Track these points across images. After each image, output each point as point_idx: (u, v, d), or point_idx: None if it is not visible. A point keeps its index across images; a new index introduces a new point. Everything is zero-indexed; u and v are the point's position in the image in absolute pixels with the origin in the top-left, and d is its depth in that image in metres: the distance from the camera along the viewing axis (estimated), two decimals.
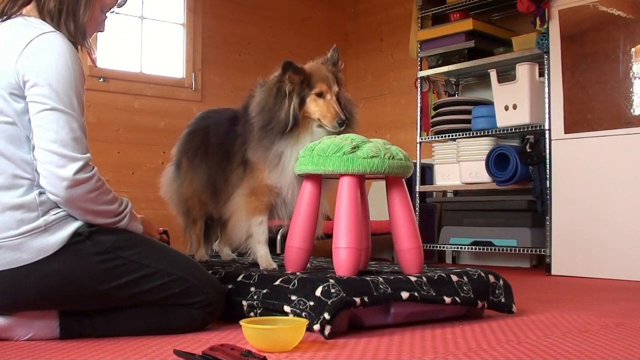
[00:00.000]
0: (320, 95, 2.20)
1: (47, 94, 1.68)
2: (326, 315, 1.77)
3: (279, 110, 2.20)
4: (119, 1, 2.00)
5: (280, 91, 2.21)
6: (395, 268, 2.32)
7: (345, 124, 2.17)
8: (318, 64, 2.31)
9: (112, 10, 1.99)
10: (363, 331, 1.91)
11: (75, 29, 1.82)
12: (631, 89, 3.64)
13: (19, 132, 1.72)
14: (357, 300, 1.84)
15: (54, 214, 1.71)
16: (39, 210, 1.70)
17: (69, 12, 1.81)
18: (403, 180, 2.17)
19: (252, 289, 2.00)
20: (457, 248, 4.50)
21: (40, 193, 1.71)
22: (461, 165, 4.42)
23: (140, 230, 1.87)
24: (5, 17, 1.82)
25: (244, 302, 1.99)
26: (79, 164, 1.67)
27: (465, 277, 2.13)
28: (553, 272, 3.89)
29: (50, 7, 1.79)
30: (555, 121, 3.93)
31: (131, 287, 1.78)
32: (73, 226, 1.73)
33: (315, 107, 2.20)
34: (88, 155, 1.71)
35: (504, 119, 4.16)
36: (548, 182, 3.93)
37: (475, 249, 4.38)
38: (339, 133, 2.17)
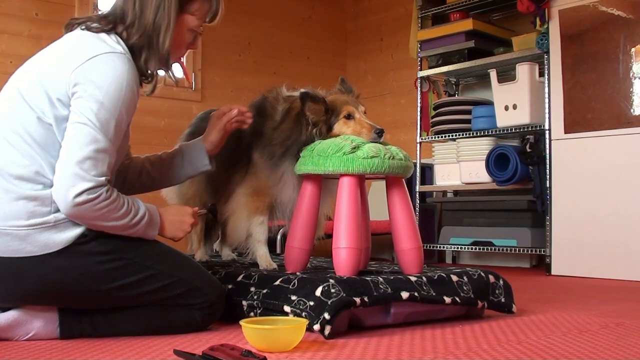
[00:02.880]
0: (349, 117, 2.18)
1: (88, 109, 1.68)
2: (326, 315, 1.78)
3: (300, 135, 2.18)
4: (207, 19, 1.94)
5: (305, 121, 2.17)
6: (395, 268, 2.32)
7: (383, 134, 2.15)
8: (336, 94, 2.29)
9: (201, 28, 1.95)
10: (363, 331, 1.91)
11: (159, 59, 1.85)
12: (631, 89, 3.64)
13: (53, 137, 1.72)
14: (357, 300, 1.84)
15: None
16: (51, 207, 1.70)
17: (152, 45, 1.83)
18: (403, 180, 2.17)
19: (252, 289, 2.01)
20: (457, 248, 4.50)
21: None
22: (461, 165, 4.42)
23: (153, 237, 1.84)
24: (83, 28, 1.83)
25: (244, 302, 1.99)
26: (86, 185, 1.65)
27: (465, 277, 2.13)
28: (553, 272, 3.89)
29: (134, 40, 1.82)
30: (555, 121, 3.93)
31: (132, 288, 1.78)
32: (81, 227, 1.73)
33: (346, 128, 2.17)
34: (102, 179, 1.67)
35: (504, 119, 4.16)
36: (548, 182, 3.93)
37: (475, 249, 4.38)
38: None
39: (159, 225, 1.85)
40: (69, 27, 1.88)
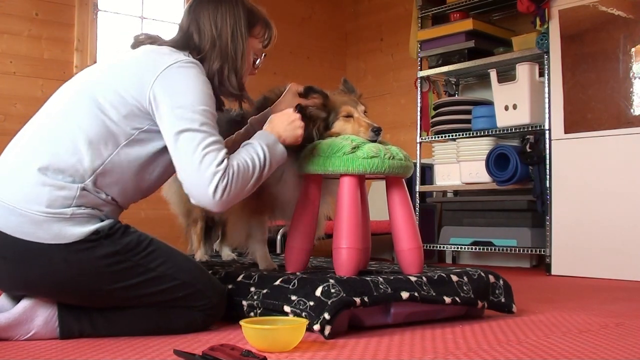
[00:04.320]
0: (347, 116, 2.18)
1: (181, 115, 1.76)
2: (326, 315, 1.78)
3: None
4: (264, 43, 2.09)
5: (305, 120, 2.19)
6: (395, 268, 2.32)
7: (380, 132, 2.15)
8: (338, 94, 2.29)
9: (262, 55, 2.09)
10: (363, 331, 1.91)
11: (236, 83, 1.97)
12: (631, 89, 3.64)
13: (109, 137, 1.78)
14: (357, 300, 1.84)
15: (83, 210, 1.74)
16: (73, 201, 1.72)
17: (231, 69, 1.95)
18: (403, 180, 2.17)
19: (252, 289, 2.01)
20: (457, 248, 4.50)
21: (82, 190, 1.73)
22: (461, 165, 4.42)
23: (284, 152, 1.93)
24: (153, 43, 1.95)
25: (244, 302, 1.99)
26: (215, 179, 1.74)
27: (465, 277, 2.13)
28: (553, 272, 3.89)
29: (214, 68, 1.92)
30: (555, 121, 3.93)
31: (135, 290, 1.79)
32: (94, 226, 1.74)
33: (345, 127, 2.16)
34: (222, 165, 1.76)
35: (504, 119, 4.16)
36: (548, 182, 3.93)
37: (475, 249, 4.38)
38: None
39: (278, 141, 1.92)
40: (136, 45, 1.96)
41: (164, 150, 1.84)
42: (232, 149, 2.20)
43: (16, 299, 1.82)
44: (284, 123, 1.98)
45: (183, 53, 1.90)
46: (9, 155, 1.82)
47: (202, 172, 1.74)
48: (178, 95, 1.78)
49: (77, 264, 1.72)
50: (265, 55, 2.12)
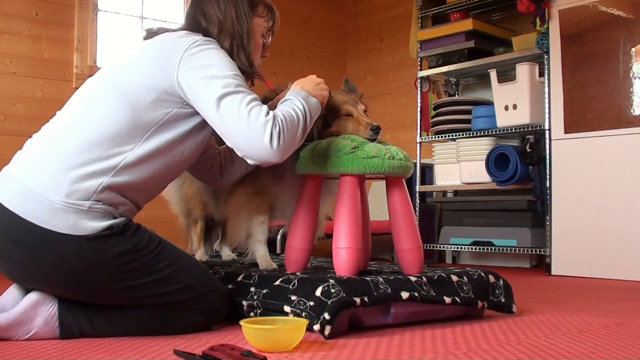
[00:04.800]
0: (347, 115, 2.19)
1: (215, 86, 1.79)
2: (326, 315, 1.78)
3: None
4: (271, 24, 2.15)
5: None
6: (395, 268, 2.32)
7: (379, 130, 2.15)
8: (339, 94, 2.30)
9: (269, 35, 2.17)
10: (363, 331, 1.91)
11: (245, 59, 2.02)
12: (631, 89, 3.64)
13: (138, 128, 1.81)
14: (357, 300, 1.84)
15: (100, 205, 1.75)
16: (93, 195, 1.73)
17: (240, 46, 2.01)
18: (403, 180, 2.17)
19: (252, 289, 2.00)
20: (457, 248, 4.50)
21: (104, 187, 1.74)
22: (461, 165, 4.42)
23: (318, 108, 1.99)
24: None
25: (244, 302, 1.99)
26: (267, 127, 1.77)
27: (465, 277, 2.13)
28: (553, 272, 3.89)
29: (225, 47, 1.97)
30: (555, 121, 3.93)
31: (139, 290, 1.79)
32: (109, 222, 1.75)
33: (344, 126, 2.18)
34: (270, 114, 1.79)
35: (504, 119, 4.16)
36: (548, 182, 3.93)
37: (475, 249, 4.38)
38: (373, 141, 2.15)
39: (310, 96, 1.97)
40: (150, 37, 2.00)
41: (192, 131, 1.90)
42: (225, 158, 2.24)
43: (16, 298, 1.82)
44: (312, 84, 2.04)
45: (197, 35, 1.95)
46: (33, 144, 1.84)
47: (252, 125, 1.77)
48: (206, 68, 1.83)
49: (87, 258, 1.72)
50: (273, 34, 2.18)
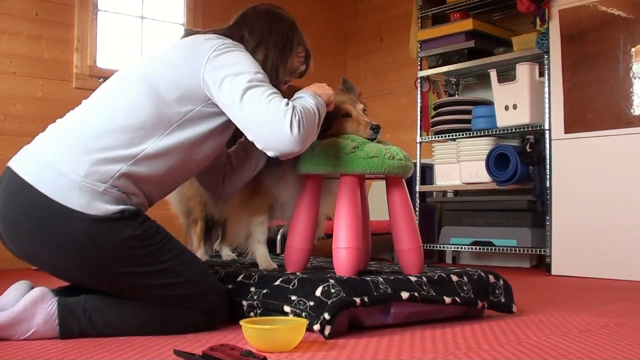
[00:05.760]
0: (346, 115, 2.19)
1: (240, 81, 1.84)
2: (326, 315, 1.78)
3: None
4: (304, 68, 2.20)
5: None
6: (395, 268, 2.32)
7: (379, 129, 2.15)
8: (338, 94, 2.30)
9: (294, 76, 2.20)
10: (363, 331, 1.91)
11: (275, 78, 2.03)
12: (631, 89, 3.64)
13: (160, 113, 1.84)
14: (357, 300, 1.84)
15: (115, 191, 1.78)
16: (110, 180, 1.77)
17: (272, 68, 2.04)
18: (403, 180, 2.17)
19: (252, 289, 2.01)
20: (457, 248, 4.51)
21: (122, 174, 1.78)
22: (461, 165, 4.42)
23: (324, 106, 2.00)
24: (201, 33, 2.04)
25: (244, 302, 1.99)
26: (288, 115, 1.80)
27: (465, 277, 2.13)
28: (553, 272, 3.89)
29: (258, 58, 2.00)
30: (555, 121, 3.93)
31: (141, 278, 1.80)
32: (121, 206, 1.78)
33: (344, 125, 2.18)
34: (290, 103, 1.84)
35: (504, 119, 4.16)
36: (548, 182, 3.93)
37: (475, 249, 4.38)
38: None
39: (317, 95, 1.99)
40: (186, 36, 2.05)
41: (213, 132, 1.94)
42: (241, 151, 2.25)
43: (16, 298, 1.82)
44: (315, 86, 2.07)
45: (227, 39, 1.99)
46: (59, 125, 1.89)
47: (272, 112, 1.81)
48: (231, 66, 1.87)
49: (96, 239, 1.74)
50: (294, 78, 2.22)
